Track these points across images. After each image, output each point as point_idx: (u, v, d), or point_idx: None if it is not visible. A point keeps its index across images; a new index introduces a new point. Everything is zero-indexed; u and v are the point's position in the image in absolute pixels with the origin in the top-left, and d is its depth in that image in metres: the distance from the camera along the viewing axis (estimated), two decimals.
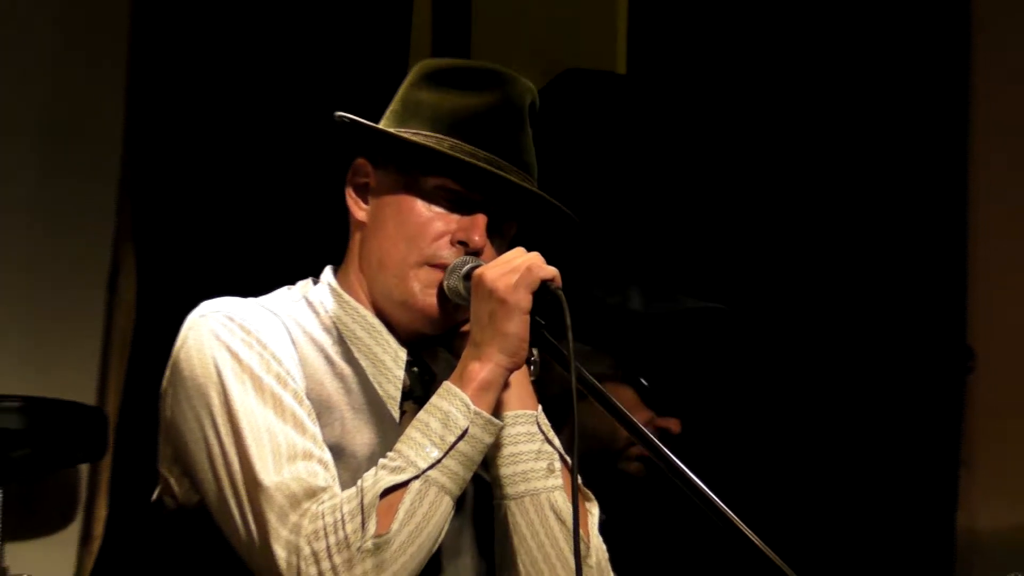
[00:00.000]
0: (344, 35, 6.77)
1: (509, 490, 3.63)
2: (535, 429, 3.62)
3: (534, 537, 3.66)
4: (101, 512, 6.35)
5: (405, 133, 3.65)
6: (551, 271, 3.46)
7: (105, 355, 6.54)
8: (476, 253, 3.62)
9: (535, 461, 3.64)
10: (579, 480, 3.63)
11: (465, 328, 3.64)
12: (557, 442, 3.68)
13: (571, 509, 3.60)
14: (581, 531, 3.56)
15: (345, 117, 3.68)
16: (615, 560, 3.86)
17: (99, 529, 6.37)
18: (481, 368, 3.51)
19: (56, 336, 6.53)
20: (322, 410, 3.58)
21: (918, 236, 7.28)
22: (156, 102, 6.66)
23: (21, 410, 5.90)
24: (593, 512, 3.69)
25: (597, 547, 3.68)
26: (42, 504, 6.48)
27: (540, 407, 3.65)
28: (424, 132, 3.66)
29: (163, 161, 6.55)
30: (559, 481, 3.65)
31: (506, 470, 3.65)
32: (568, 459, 3.68)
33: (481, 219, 3.63)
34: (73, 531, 6.44)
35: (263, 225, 6.35)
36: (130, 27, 6.88)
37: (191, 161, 6.52)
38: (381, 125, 3.71)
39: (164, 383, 3.57)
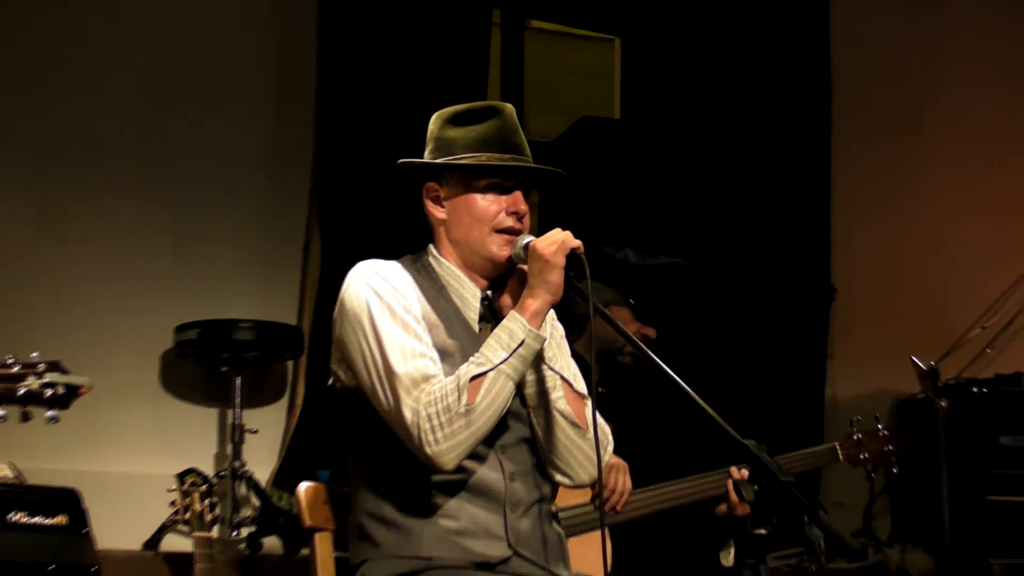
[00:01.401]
0: (456, 92, 6.93)
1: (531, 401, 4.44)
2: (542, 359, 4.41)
3: (552, 428, 4.43)
4: (300, 390, 7.28)
5: (459, 160, 4.42)
6: (577, 243, 4.26)
7: (301, 295, 7.42)
8: (522, 217, 4.37)
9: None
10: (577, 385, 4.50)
11: (511, 284, 4.46)
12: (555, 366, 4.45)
13: (571, 411, 4.44)
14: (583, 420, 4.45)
15: (411, 161, 4.51)
16: (619, 420, 4.88)
17: (299, 400, 7.24)
18: (533, 303, 4.27)
19: (274, 282, 7.43)
20: (432, 328, 4.35)
21: (796, 216, 8.02)
22: (333, 134, 7.42)
23: (252, 328, 6.88)
24: (589, 405, 4.41)
25: (600, 425, 4.36)
26: (265, 385, 7.31)
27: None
28: (466, 155, 4.42)
29: (337, 171, 7.41)
30: (560, 393, 4.42)
31: (529, 390, 4.43)
32: (565, 378, 4.47)
33: (518, 194, 4.42)
34: (283, 403, 7.37)
35: (394, 213, 6.17)
36: (318, 71, 7.54)
37: (355, 170, 7.35)
38: (428, 158, 4.48)
39: (335, 312, 4.36)
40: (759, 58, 7.98)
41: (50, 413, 3.63)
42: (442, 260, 4.51)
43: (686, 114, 7.83)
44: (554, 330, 4.64)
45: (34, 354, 3.74)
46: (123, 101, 7.16)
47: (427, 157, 4.48)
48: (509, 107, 4.57)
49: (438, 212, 4.47)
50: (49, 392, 3.65)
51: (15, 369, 3.63)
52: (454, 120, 4.53)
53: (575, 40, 8.56)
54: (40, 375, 3.66)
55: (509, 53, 7.94)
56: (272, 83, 7.50)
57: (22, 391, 3.62)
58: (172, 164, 7.20)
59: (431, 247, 4.54)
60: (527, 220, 4.43)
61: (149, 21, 7.23)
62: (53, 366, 3.69)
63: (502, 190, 4.43)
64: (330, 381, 4.51)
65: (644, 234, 6.05)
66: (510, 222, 4.40)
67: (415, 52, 7.49)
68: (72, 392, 3.69)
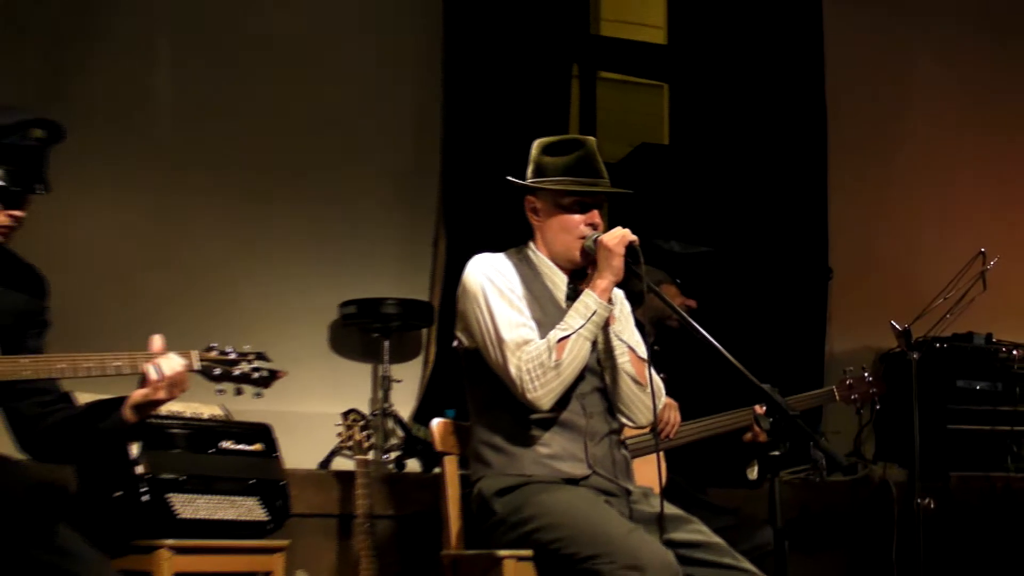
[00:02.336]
0: (547, 125, 6.87)
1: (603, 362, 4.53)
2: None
3: (619, 383, 4.54)
4: (432, 350, 7.20)
5: (549, 184, 4.49)
6: (634, 237, 4.33)
7: (432, 278, 7.31)
8: (596, 228, 4.47)
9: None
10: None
11: (590, 271, 4.48)
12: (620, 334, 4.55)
13: (633, 370, 4.55)
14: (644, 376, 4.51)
15: (515, 181, 4.59)
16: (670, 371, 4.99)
17: (431, 358, 7.19)
18: (602, 282, 4.36)
19: (411, 269, 7.33)
20: (529, 305, 4.47)
21: (801, 214, 7.92)
22: (455, 159, 7.40)
23: (396, 304, 6.82)
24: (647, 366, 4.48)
25: (656, 379, 4.48)
26: (406, 346, 7.20)
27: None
28: (556, 178, 4.49)
29: (458, 186, 7.36)
30: (626, 357, 4.53)
31: (602, 353, 4.51)
32: (629, 345, 4.56)
33: (595, 212, 4.49)
34: (419, 359, 7.30)
35: (499, 218, 6.09)
36: (443, 111, 7.46)
37: (471, 186, 7.29)
38: (529, 179, 4.55)
39: (458, 292, 4.54)
40: (766, 85, 7.93)
41: (256, 391, 3.79)
42: (539, 254, 4.62)
43: (715, 138, 7.80)
44: (623, 306, 4.73)
45: (246, 346, 3.88)
46: (300, 139, 7.19)
47: (528, 177, 4.57)
48: (591, 140, 4.61)
49: (535, 220, 4.61)
50: (256, 375, 3.80)
51: (232, 356, 3.76)
52: (548, 150, 4.60)
53: (635, 86, 8.52)
54: (250, 362, 3.78)
55: (585, 96, 7.93)
56: (410, 121, 7.51)
57: (237, 373, 3.75)
58: (334, 183, 7.23)
59: (531, 243, 4.64)
60: (600, 228, 4.51)
61: (312, 62, 7.28)
62: (260, 356, 3.84)
63: (582, 208, 4.52)
64: (454, 343, 4.63)
65: (685, 229, 5.96)
66: (587, 232, 4.49)
67: (518, 95, 7.45)
68: (273, 376, 3.84)
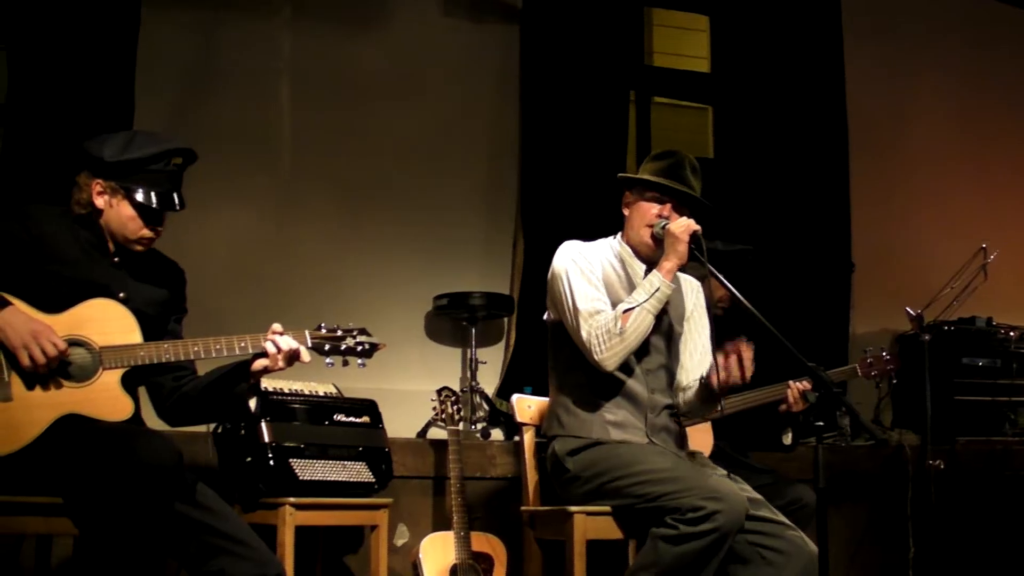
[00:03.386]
0: (608, 144, 7.40)
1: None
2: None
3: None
4: (512, 336, 7.14)
5: (645, 177, 4.57)
6: (698, 227, 4.38)
7: (512, 274, 7.23)
8: (667, 218, 4.49)
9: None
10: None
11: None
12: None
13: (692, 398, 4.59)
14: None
15: (623, 176, 4.71)
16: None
17: (512, 342, 7.13)
18: (667, 263, 4.39)
19: (494, 267, 7.27)
20: (609, 286, 4.51)
21: (827, 215, 7.85)
22: (530, 174, 7.35)
23: (481, 297, 6.76)
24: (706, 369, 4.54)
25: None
26: (490, 333, 7.15)
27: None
28: (644, 177, 4.57)
29: (533, 196, 7.30)
30: (705, 365, 4.57)
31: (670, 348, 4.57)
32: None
33: (669, 206, 4.51)
34: (501, 344, 7.25)
35: (567, 220, 6.94)
36: (520, 137, 7.43)
37: (544, 196, 7.27)
38: (637, 175, 4.62)
39: (549, 271, 4.60)
40: (795, 104, 7.89)
41: (360, 362, 3.84)
42: (623, 242, 4.66)
43: (753, 151, 7.78)
44: (699, 309, 4.79)
45: (350, 323, 3.97)
46: (397, 158, 7.22)
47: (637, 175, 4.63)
48: (685, 154, 4.65)
49: (625, 211, 4.65)
50: (360, 348, 3.86)
51: (339, 333, 3.83)
52: (653, 157, 4.68)
53: (683, 109, 8.50)
54: (354, 336, 3.85)
55: (641, 118, 7.93)
56: (491, 141, 7.52)
57: (343, 347, 3.83)
58: (427, 195, 7.24)
59: (619, 234, 4.70)
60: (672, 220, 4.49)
61: (408, 93, 7.29)
62: (362, 331, 3.90)
63: (659, 202, 4.55)
64: (545, 316, 4.70)
65: (726, 230, 5.90)
66: (655, 219, 4.52)
67: (584, 118, 7.44)
68: (374, 348, 3.90)
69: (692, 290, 4.80)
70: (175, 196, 3.93)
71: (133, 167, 3.86)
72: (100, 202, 3.90)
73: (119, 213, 3.90)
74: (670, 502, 4.13)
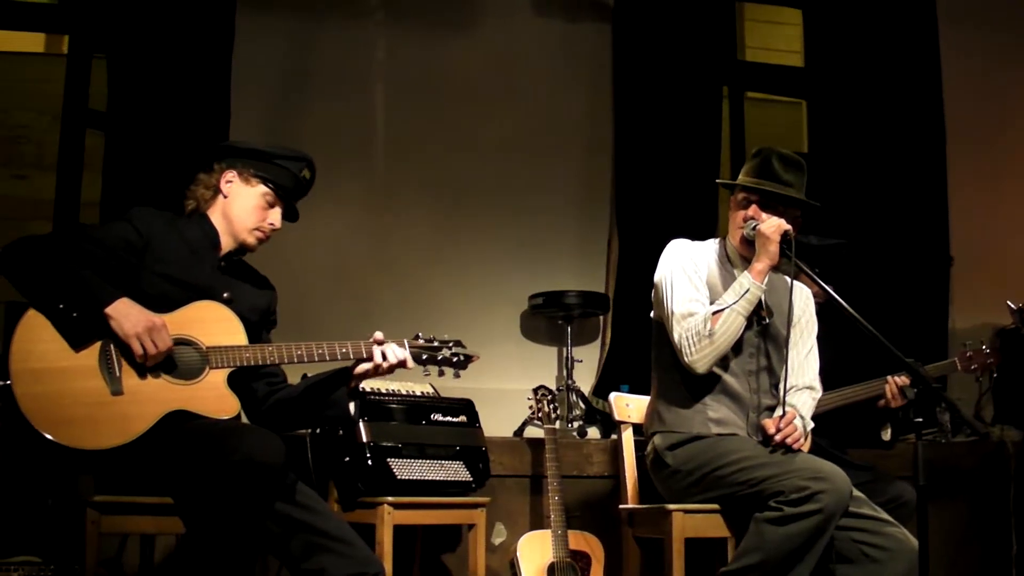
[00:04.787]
0: (701, 141, 7.35)
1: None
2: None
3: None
4: (608, 334, 7.09)
5: (727, 182, 4.70)
6: (789, 227, 4.38)
7: (607, 273, 7.18)
8: (755, 219, 4.49)
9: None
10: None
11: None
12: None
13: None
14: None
15: (721, 182, 4.83)
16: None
17: (607, 341, 7.07)
18: (758, 264, 4.39)
19: (589, 266, 7.23)
20: (712, 286, 4.53)
21: (924, 209, 7.71)
22: (623, 176, 7.32)
23: (577, 295, 6.76)
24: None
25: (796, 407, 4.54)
26: (586, 331, 7.15)
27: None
28: (738, 183, 4.60)
29: (627, 197, 7.26)
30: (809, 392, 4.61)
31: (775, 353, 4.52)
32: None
33: (754, 207, 4.50)
34: (597, 343, 7.19)
35: (657, 221, 6.99)
36: (614, 138, 7.38)
37: (637, 197, 7.24)
38: (738, 180, 4.61)
39: (657, 268, 4.61)
40: (890, 96, 7.79)
41: (455, 372, 3.95)
42: (729, 244, 4.67)
43: (849, 145, 7.70)
44: (810, 316, 4.77)
45: (445, 335, 4.06)
46: (491, 159, 7.24)
47: (739, 179, 4.65)
48: (776, 150, 4.62)
49: (729, 213, 4.66)
50: (455, 359, 3.95)
51: (435, 344, 3.92)
52: (749, 157, 4.67)
53: (777, 103, 8.61)
54: (450, 348, 3.94)
55: (734, 114, 7.86)
56: (585, 142, 7.49)
57: (439, 357, 3.92)
58: (523, 196, 7.25)
59: (728, 236, 4.70)
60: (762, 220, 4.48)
61: (501, 95, 7.32)
62: (458, 343, 4.00)
63: (746, 204, 4.57)
64: (651, 313, 4.69)
65: (822, 225, 5.89)
66: (743, 224, 4.54)
67: (677, 115, 7.42)
68: (468, 359, 4.00)
69: (802, 296, 4.77)
70: (295, 205, 4.17)
71: (274, 158, 4.10)
72: (227, 189, 4.10)
73: (245, 201, 4.09)
74: (774, 485, 4.15)
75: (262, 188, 4.08)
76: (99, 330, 3.69)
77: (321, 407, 4.03)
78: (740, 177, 4.63)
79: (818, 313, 4.91)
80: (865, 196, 7.72)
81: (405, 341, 3.96)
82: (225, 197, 4.09)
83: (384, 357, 3.89)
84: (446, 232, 7.11)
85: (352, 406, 4.94)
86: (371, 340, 3.92)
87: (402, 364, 3.92)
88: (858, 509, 4.23)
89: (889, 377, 5.23)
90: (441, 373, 4.02)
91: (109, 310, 3.66)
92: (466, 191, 7.17)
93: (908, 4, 7.98)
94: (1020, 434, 6.49)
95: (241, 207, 4.08)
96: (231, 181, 4.08)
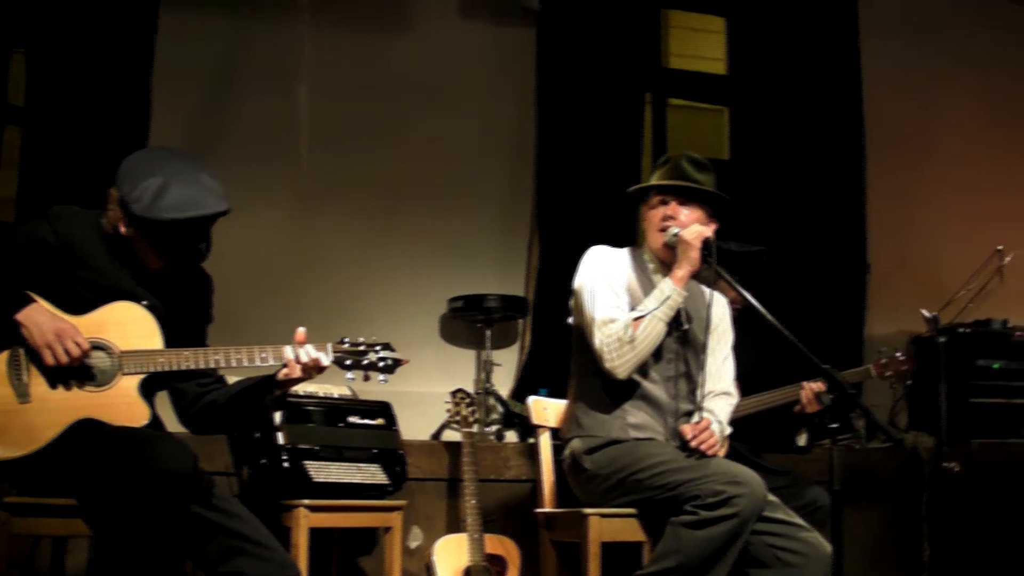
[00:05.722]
0: (623, 148, 7.38)
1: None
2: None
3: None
4: (527, 338, 7.14)
5: (637, 187, 4.71)
6: (710, 234, 4.42)
7: (527, 277, 7.24)
8: (671, 218, 4.51)
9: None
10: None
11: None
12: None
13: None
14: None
15: (631, 188, 4.75)
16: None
17: (526, 344, 7.12)
18: (679, 271, 4.40)
19: (509, 270, 7.26)
20: (632, 292, 4.51)
21: (843, 218, 7.79)
22: (545, 180, 7.33)
23: (497, 299, 6.80)
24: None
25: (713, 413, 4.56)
26: (505, 335, 7.16)
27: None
28: (650, 184, 4.62)
29: (548, 201, 7.30)
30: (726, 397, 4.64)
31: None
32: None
33: (673, 204, 4.52)
34: (516, 346, 7.26)
35: (579, 227, 6.98)
36: (536, 143, 7.41)
37: (558, 201, 7.27)
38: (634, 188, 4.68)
39: (576, 275, 4.59)
40: (812, 106, 7.86)
41: (381, 377, 3.84)
42: (646, 252, 4.67)
43: (770, 153, 7.76)
44: (725, 322, 4.79)
45: (373, 337, 3.95)
46: (416, 161, 7.25)
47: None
48: (684, 153, 4.67)
49: (643, 222, 4.66)
50: (382, 364, 3.86)
51: (361, 347, 3.81)
52: (654, 167, 4.72)
53: (699, 111, 8.48)
54: (377, 352, 3.84)
55: (657, 120, 7.90)
56: (508, 146, 7.52)
57: (365, 362, 3.81)
58: (444, 199, 7.27)
59: (644, 244, 4.70)
60: (686, 221, 4.51)
61: (425, 98, 7.32)
62: (386, 346, 3.89)
63: (663, 203, 4.57)
64: (569, 319, 4.68)
65: (743, 232, 5.93)
66: (666, 224, 4.53)
67: (600, 121, 7.45)
68: (396, 364, 3.89)
69: (719, 304, 4.76)
70: (199, 249, 3.92)
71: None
72: (127, 232, 3.85)
73: (142, 251, 3.88)
74: (690, 489, 4.15)
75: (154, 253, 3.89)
76: (9, 336, 3.62)
77: (246, 414, 3.98)
78: (652, 180, 4.65)
79: (737, 319, 4.93)
80: (785, 204, 7.78)
81: (329, 345, 3.87)
82: (127, 237, 3.86)
83: (297, 358, 3.79)
84: (370, 233, 7.11)
85: (278, 416, 4.89)
86: (295, 339, 3.83)
87: (315, 365, 3.81)
88: (773, 514, 4.25)
89: (805, 383, 5.28)
90: (367, 378, 3.93)
91: (19, 316, 3.61)
92: (390, 193, 7.17)
93: (831, 14, 8.05)
94: (934, 440, 6.49)
95: (142, 254, 3.89)
96: (128, 227, 3.83)
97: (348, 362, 3.88)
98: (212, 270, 4.20)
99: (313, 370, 3.82)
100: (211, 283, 4.12)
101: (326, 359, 3.82)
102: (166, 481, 3.43)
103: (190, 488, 3.55)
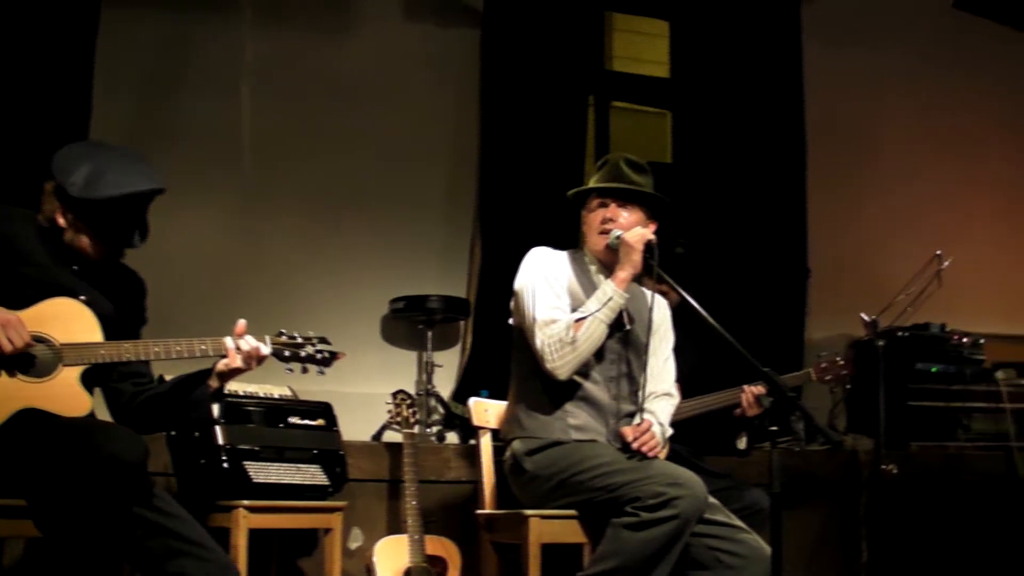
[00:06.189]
0: (567, 150, 7.39)
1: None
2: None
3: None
4: (468, 339, 7.15)
5: (578, 189, 4.71)
6: (651, 236, 4.45)
7: (468, 278, 7.24)
8: (611, 221, 4.55)
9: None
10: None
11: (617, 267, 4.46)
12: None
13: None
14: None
15: (571, 192, 4.76)
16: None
17: (468, 346, 7.13)
18: (621, 272, 4.43)
19: (451, 270, 7.27)
20: (573, 294, 4.53)
21: (786, 223, 7.86)
22: (488, 180, 7.35)
23: (438, 300, 6.81)
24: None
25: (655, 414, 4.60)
26: (447, 336, 7.16)
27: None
28: (589, 187, 4.68)
29: (490, 203, 7.31)
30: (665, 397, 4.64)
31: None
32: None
33: (613, 207, 4.56)
34: (458, 347, 7.25)
35: (522, 229, 6.87)
36: (480, 145, 7.40)
37: (501, 203, 7.28)
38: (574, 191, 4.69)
39: (517, 276, 4.59)
40: (754, 110, 7.92)
41: (319, 369, 3.87)
42: (586, 254, 4.70)
43: (712, 157, 7.81)
44: (666, 323, 4.84)
45: (310, 332, 3.99)
46: (359, 162, 7.23)
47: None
48: (622, 155, 4.72)
49: (583, 225, 4.69)
50: (319, 356, 3.89)
51: (299, 340, 3.85)
52: (597, 167, 4.74)
53: (642, 113, 8.46)
54: (314, 344, 3.88)
55: (600, 123, 7.91)
56: (451, 147, 7.52)
57: (303, 354, 3.85)
58: (387, 199, 7.25)
59: (584, 246, 4.72)
60: (626, 223, 4.55)
61: (369, 99, 7.30)
62: (322, 339, 3.93)
63: (603, 205, 4.61)
64: (510, 320, 4.70)
65: (687, 235, 5.95)
66: (606, 226, 4.57)
67: (543, 123, 7.45)
68: (333, 356, 3.92)
69: (660, 306, 4.79)
70: (136, 233, 3.92)
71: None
72: (62, 222, 3.88)
73: (79, 238, 3.89)
74: (631, 491, 4.16)
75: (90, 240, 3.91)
76: None
77: (185, 408, 3.95)
78: (591, 183, 4.69)
79: (679, 322, 4.95)
80: (727, 207, 7.82)
81: (267, 337, 3.90)
82: (62, 228, 3.90)
83: (237, 347, 3.82)
84: (312, 233, 7.08)
85: (216, 409, 4.87)
86: (235, 330, 3.86)
87: (255, 354, 3.84)
88: (713, 516, 4.28)
89: (746, 386, 5.32)
90: (305, 370, 3.95)
91: None
92: (333, 193, 7.15)
93: (773, 19, 8.10)
94: (872, 443, 6.52)
95: (78, 243, 3.91)
96: (64, 215, 3.88)
97: (287, 354, 3.92)
98: (154, 269, 4.21)
99: (253, 359, 3.84)
100: (144, 286, 4.12)
101: (266, 348, 3.86)
102: (117, 469, 3.42)
103: (139, 479, 3.54)
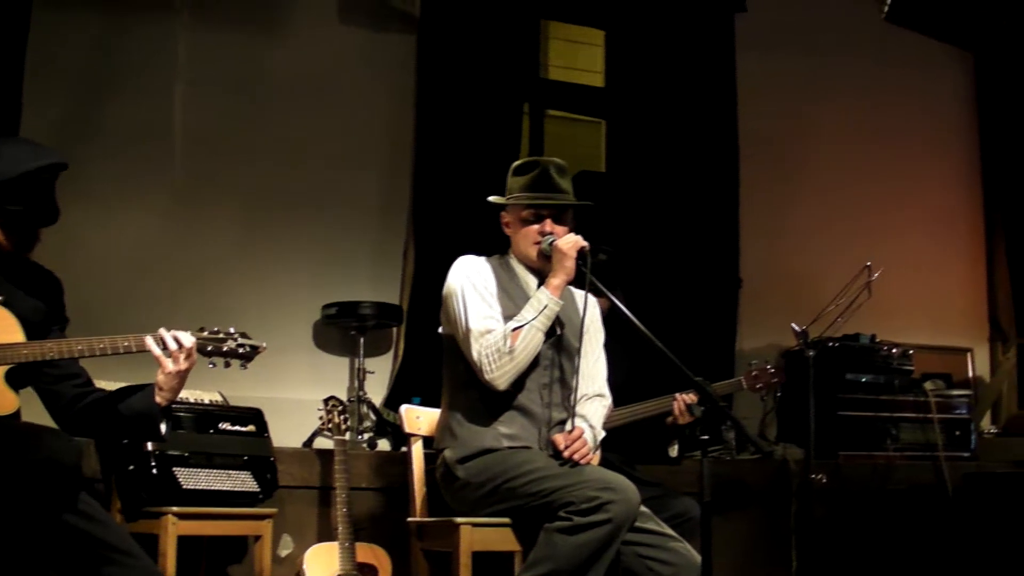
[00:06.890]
0: (501, 157, 6.69)
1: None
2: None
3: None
4: (401, 346, 7.14)
5: (512, 200, 4.61)
6: (585, 243, 4.40)
7: (401, 285, 7.22)
8: (548, 233, 4.52)
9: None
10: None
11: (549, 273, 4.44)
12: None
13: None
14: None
15: (492, 200, 4.71)
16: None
17: (400, 352, 7.12)
18: (555, 280, 4.41)
19: (384, 277, 7.24)
20: (504, 302, 4.50)
21: (718, 233, 7.94)
22: (422, 186, 7.35)
23: (371, 306, 6.76)
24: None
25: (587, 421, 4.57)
26: (379, 343, 7.15)
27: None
28: (516, 194, 4.60)
29: (424, 209, 7.29)
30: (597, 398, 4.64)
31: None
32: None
33: (548, 222, 4.54)
34: (390, 354, 7.22)
35: (456, 235, 6.87)
36: (414, 149, 7.42)
37: (434, 209, 7.29)
38: (505, 199, 4.65)
39: (445, 285, 4.56)
40: (687, 121, 7.97)
41: (241, 364, 3.87)
42: (513, 259, 4.66)
43: (645, 166, 7.87)
44: (596, 324, 4.80)
45: (231, 328, 3.97)
46: (293, 165, 7.20)
47: (506, 196, 4.66)
48: (551, 160, 4.66)
49: (508, 231, 4.68)
50: (241, 351, 3.87)
51: (220, 335, 3.82)
52: (515, 171, 4.69)
53: (577, 122, 8.51)
54: (235, 339, 3.85)
55: (534, 131, 7.95)
56: (385, 152, 7.50)
57: (225, 349, 3.83)
58: (319, 203, 7.22)
59: (509, 251, 4.70)
60: (559, 230, 4.54)
61: (302, 102, 7.27)
62: (243, 334, 3.91)
63: (538, 218, 4.56)
64: (440, 329, 4.64)
65: (618, 243, 5.98)
66: (539, 238, 4.54)
67: (478, 130, 7.46)
68: (255, 350, 3.91)
69: (591, 305, 4.76)
70: (47, 212, 3.89)
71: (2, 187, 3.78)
72: None
73: None
74: (564, 496, 4.14)
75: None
76: None
77: (133, 419, 3.92)
78: (518, 192, 4.65)
79: (612, 330, 4.95)
80: (660, 217, 7.87)
81: (189, 333, 3.86)
82: None
83: (179, 343, 3.80)
84: (244, 236, 7.04)
85: (164, 427, 4.82)
86: (158, 334, 3.83)
87: (181, 345, 3.80)
88: (644, 524, 4.28)
89: (677, 394, 5.34)
90: (227, 364, 3.93)
91: None
92: (265, 196, 7.11)
93: (707, 29, 8.16)
94: (802, 452, 6.62)
95: None
96: None
97: (209, 348, 3.90)
98: (84, 271, 4.21)
99: (181, 355, 3.81)
100: (61, 284, 4.06)
101: (188, 338, 3.82)
102: (53, 473, 3.40)
103: (75, 482, 3.52)
